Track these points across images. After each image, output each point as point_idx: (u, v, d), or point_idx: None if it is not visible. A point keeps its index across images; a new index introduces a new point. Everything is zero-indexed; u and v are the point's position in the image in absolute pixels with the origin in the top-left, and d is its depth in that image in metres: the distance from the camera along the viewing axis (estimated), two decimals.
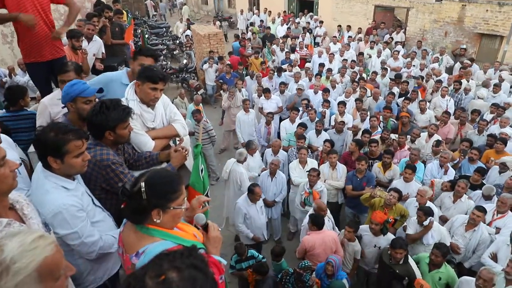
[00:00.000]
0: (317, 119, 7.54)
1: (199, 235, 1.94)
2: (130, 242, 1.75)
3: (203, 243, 1.90)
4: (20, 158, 2.96)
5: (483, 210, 4.79)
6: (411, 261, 4.47)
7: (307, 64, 11.80)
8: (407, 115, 7.50)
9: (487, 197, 5.45)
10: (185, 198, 1.83)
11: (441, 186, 5.70)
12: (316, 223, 4.85)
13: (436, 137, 6.84)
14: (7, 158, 1.69)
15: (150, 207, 1.68)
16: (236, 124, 8.27)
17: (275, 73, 10.34)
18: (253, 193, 5.27)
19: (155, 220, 1.70)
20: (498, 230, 5.00)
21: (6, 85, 7.76)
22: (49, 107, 3.24)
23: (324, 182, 6.08)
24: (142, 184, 1.68)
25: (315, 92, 9.01)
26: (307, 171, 5.95)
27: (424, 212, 4.74)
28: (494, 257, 4.64)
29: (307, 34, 14.89)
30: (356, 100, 8.32)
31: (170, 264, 1.09)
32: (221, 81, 10.64)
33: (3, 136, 2.88)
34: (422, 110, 8.03)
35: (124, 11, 8.62)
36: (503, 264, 4.42)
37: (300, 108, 8.14)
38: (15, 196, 1.83)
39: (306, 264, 4.50)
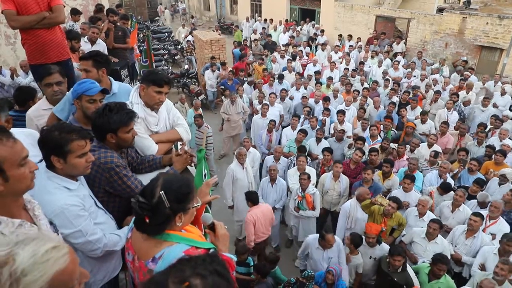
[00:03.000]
0: (317, 127, 7.58)
1: (209, 234, 1.98)
2: (144, 248, 1.75)
3: (212, 242, 1.92)
4: None
5: (479, 215, 4.85)
6: (409, 269, 4.48)
7: (308, 72, 11.86)
8: (413, 125, 7.50)
9: (482, 204, 5.50)
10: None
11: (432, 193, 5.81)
12: (251, 198, 5.36)
13: (436, 147, 6.86)
14: (28, 158, 1.69)
15: (174, 213, 1.69)
16: (252, 127, 8.44)
17: (276, 80, 10.38)
18: (324, 239, 4.82)
19: (177, 224, 1.72)
20: (494, 236, 5.04)
21: (6, 87, 7.79)
22: (35, 120, 3.14)
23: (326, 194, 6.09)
24: (162, 193, 1.66)
25: (316, 102, 9.05)
26: None
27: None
28: (483, 268, 4.67)
29: (308, 42, 14.99)
30: (360, 109, 8.37)
31: (193, 270, 1.08)
32: (222, 87, 10.67)
33: (29, 130, 2.81)
34: (423, 121, 8.08)
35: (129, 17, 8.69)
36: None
37: (302, 116, 8.17)
38: (27, 196, 1.83)
39: (309, 273, 4.49)
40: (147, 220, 1.66)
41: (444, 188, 5.77)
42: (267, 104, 8.51)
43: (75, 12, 7.59)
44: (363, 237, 4.90)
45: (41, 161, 2.18)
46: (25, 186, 1.68)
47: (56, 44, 4.04)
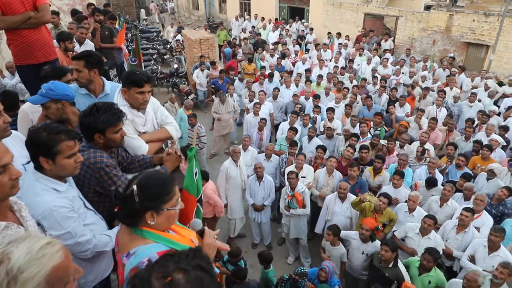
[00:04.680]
0: (309, 125, 7.60)
1: (197, 240, 1.94)
2: (124, 243, 1.75)
3: None
4: None
5: (470, 210, 4.91)
6: (400, 265, 4.52)
7: (298, 70, 11.89)
8: (406, 125, 7.55)
9: (467, 197, 5.59)
10: (179, 199, 1.82)
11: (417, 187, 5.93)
12: (206, 177, 5.66)
13: (428, 145, 6.93)
14: (10, 165, 1.66)
15: (143, 209, 1.68)
16: (244, 126, 8.44)
17: (266, 79, 10.38)
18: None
19: (149, 222, 1.70)
20: (478, 230, 5.11)
21: None
22: (31, 114, 3.13)
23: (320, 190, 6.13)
24: (134, 187, 1.68)
25: (306, 99, 9.08)
26: (302, 177, 5.98)
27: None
28: (472, 259, 4.75)
29: (298, 40, 15.02)
30: (346, 105, 8.40)
31: (176, 265, 1.09)
32: (213, 86, 10.65)
33: (15, 133, 2.77)
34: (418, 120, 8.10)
35: (116, 16, 8.60)
36: (481, 265, 4.57)
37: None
38: (14, 197, 1.80)
39: (302, 270, 4.51)
40: (117, 210, 1.73)
41: (430, 183, 5.84)
42: (259, 103, 8.50)
43: (56, 13, 7.47)
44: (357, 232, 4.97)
45: (29, 162, 2.15)
46: (3, 194, 1.66)
47: (42, 44, 3.99)
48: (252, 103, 8.78)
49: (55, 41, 5.03)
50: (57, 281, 1.25)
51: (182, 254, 1.15)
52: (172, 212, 1.77)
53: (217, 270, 1.92)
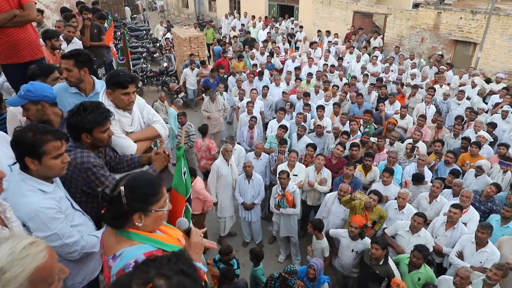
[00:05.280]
0: (302, 123, 7.62)
1: (184, 239, 1.92)
2: (109, 245, 1.73)
3: (185, 248, 1.87)
4: None
5: (458, 207, 4.95)
6: (391, 262, 4.55)
7: (288, 68, 11.90)
8: (394, 122, 7.59)
9: (455, 194, 5.65)
10: (167, 200, 1.80)
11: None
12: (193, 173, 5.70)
13: (421, 144, 6.99)
14: None
15: (131, 211, 1.66)
16: (238, 125, 8.42)
17: (256, 77, 10.36)
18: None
19: (136, 223, 1.68)
20: (465, 225, 5.17)
21: None
22: (19, 115, 3.06)
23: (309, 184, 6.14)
24: (122, 188, 1.65)
25: (298, 98, 9.07)
26: (294, 175, 5.98)
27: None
28: (460, 255, 4.80)
29: (288, 38, 15.02)
30: (334, 104, 8.42)
31: (157, 270, 1.07)
32: (204, 85, 10.60)
33: (1, 133, 2.76)
34: (402, 116, 8.18)
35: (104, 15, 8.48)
36: (469, 261, 4.61)
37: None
38: None
39: (292, 268, 4.51)
40: (104, 212, 1.70)
41: (416, 179, 5.89)
42: (252, 102, 8.45)
43: (40, 11, 7.36)
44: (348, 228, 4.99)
45: (15, 163, 2.12)
46: None
47: (29, 43, 3.92)
48: (244, 101, 8.76)
49: (41, 39, 4.96)
50: (41, 281, 1.24)
51: (164, 258, 1.13)
52: (160, 213, 1.75)
53: (205, 269, 1.90)
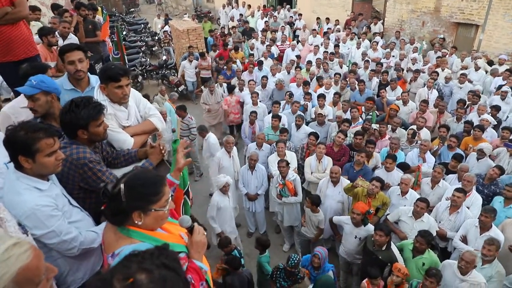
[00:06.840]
0: (299, 112, 7.55)
1: (187, 235, 1.91)
2: (109, 242, 1.72)
3: (187, 246, 1.86)
4: None
5: (462, 191, 4.92)
6: (394, 248, 4.55)
7: (289, 57, 11.80)
8: (396, 108, 7.52)
9: (461, 178, 5.55)
10: (169, 199, 1.78)
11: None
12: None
13: (425, 130, 6.93)
14: None
15: (130, 209, 1.65)
16: (244, 117, 8.39)
17: (255, 67, 10.29)
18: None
19: (136, 222, 1.67)
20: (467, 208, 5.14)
21: None
22: (12, 117, 3.02)
23: (311, 174, 6.13)
24: (122, 186, 1.64)
25: (298, 85, 9.01)
26: None
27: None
28: (464, 239, 4.79)
29: (288, 27, 14.88)
30: (335, 93, 8.35)
31: (139, 265, 1.06)
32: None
33: None
34: (405, 102, 8.08)
35: (99, 8, 8.43)
36: (473, 246, 4.60)
37: (282, 102, 8.13)
38: None
39: (295, 261, 4.45)
40: (104, 208, 1.70)
41: (400, 167, 5.85)
42: (257, 92, 8.42)
43: (38, 9, 7.29)
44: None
45: (10, 162, 2.10)
46: None
47: (22, 40, 3.88)
48: (244, 92, 8.72)
49: (37, 36, 4.92)
50: (26, 282, 1.24)
51: (147, 253, 1.12)
52: (161, 213, 1.73)
53: (206, 268, 1.88)
